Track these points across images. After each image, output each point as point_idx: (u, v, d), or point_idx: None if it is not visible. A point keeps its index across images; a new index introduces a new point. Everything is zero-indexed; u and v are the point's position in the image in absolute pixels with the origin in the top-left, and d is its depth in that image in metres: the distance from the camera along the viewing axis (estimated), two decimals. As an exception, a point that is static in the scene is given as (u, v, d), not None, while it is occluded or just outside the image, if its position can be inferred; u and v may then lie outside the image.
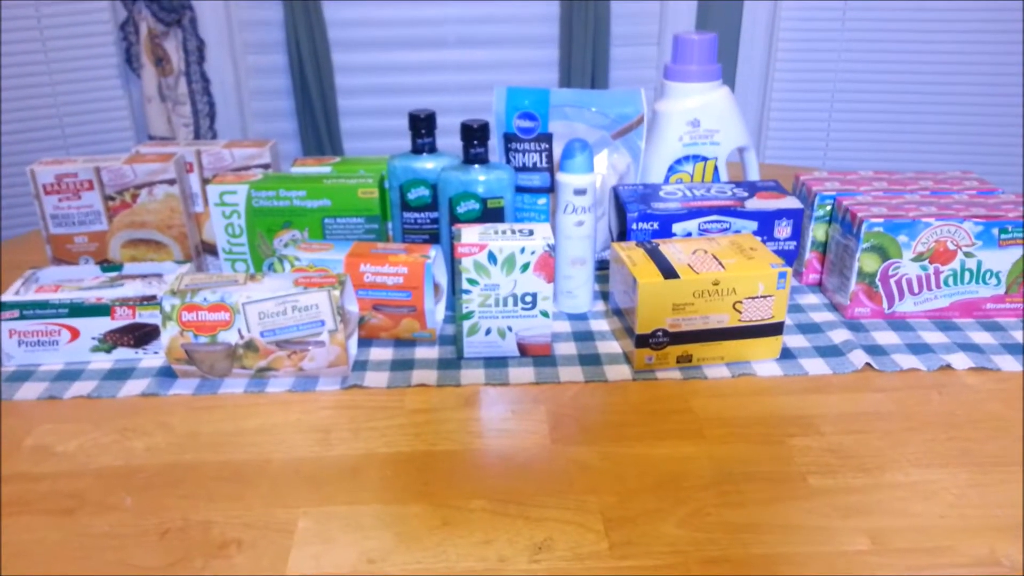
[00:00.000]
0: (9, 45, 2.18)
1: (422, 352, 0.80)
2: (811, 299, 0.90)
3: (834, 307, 0.88)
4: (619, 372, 0.76)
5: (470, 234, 0.76)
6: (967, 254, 0.81)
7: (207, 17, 2.21)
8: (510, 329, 0.77)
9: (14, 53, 2.19)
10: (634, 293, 0.73)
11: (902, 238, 0.81)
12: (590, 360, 0.78)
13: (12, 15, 2.15)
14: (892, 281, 0.83)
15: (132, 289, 0.79)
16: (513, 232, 0.76)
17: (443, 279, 0.85)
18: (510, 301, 0.76)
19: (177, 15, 2.14)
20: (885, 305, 0.84)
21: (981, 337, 0.81)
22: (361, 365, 0.78)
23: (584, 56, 2.23)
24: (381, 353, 0.80)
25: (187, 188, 0.95)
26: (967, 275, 0.82)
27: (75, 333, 0.77)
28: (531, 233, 0.76)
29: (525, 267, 0.74)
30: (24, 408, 0.72)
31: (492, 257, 0.74)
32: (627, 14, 2.30)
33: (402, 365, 0.78)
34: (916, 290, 0.83)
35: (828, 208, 0.90)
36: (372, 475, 0.62)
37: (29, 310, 0.76)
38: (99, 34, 2.23)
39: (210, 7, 2.21)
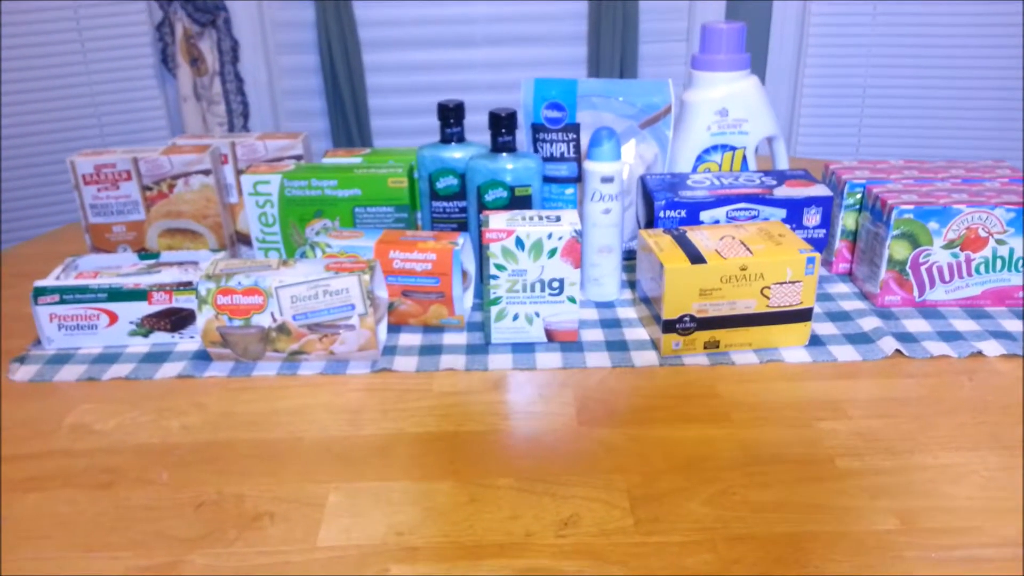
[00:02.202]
0: (49, 46, 2.23)
1: (450, 338, 0.81)
2: (841, 288, 0.90)
3: (864, 296, 0.87)
4: (646, 358, 0.76)
5: (498, 220, 0.76)
6: (999, 241, 0.80)
7: (241, 18, 2.25)
8: (537, 315, 0.78)
9: (54, 54, 2.24)
10: (661, 279, 0.74)
11: (932, 225, 0.80)
12: (617, 346, 0.79)
13: (52, 16, 2.21)
14: (923, 269, 0.82)
15: (169, 276, 0.81)
16: (540, 218, 0.77)
17: (471, 267, 0.86)
18: (537, 287, 0.77)
19: (212, 16, 2.18)
20: (916, 293, 0.83)
21: (1013, 325, 0.80)
22: (390, 350, 0.79)
23: (613, 53, 2.23)
24: (410, 339, 0.81)
25: (222, 179, 0.97)
26: (999, 263, 0.81)
27: (113, 317, 0.79)
28: (558, 219, 0.76)
29: (552, 253, 0.75)
30: (64, 389, 0.74)
31: (520, 243, 0.75)
32: (656, 10, 2.30)
33: (431, 350, 0.79)
34: (947, 278, 0.82)
35: (858, 196, 0.89)
36: (401, 453, 0.63)
37: (69, 295, 0.78)
38: (136, 35, 2.27)
39: (244, 8, 2.24)
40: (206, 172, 0.94)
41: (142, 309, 0.79)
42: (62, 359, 0.79)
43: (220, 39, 2.21)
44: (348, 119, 2.31)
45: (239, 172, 0.98)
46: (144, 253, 0.87)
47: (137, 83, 2.32)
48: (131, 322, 0.79)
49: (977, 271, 0.82)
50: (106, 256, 0.86)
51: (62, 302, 0.78)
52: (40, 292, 0.78)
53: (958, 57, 2.23)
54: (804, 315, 0.76)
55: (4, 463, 0.64)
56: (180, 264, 0.85)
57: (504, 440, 0.65)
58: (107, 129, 2.34)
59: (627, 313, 0.85)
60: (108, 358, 0.79)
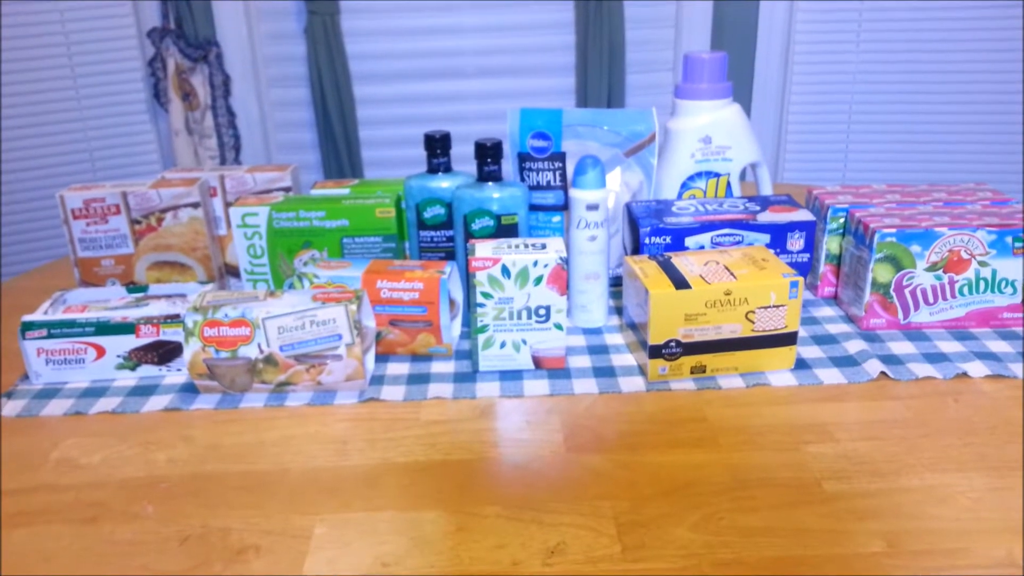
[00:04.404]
0: (42, 82, 2.25)
1: (438, 367, 0.81)
2: (826, 311, 0.90)
3: (849, 319, 0.88)
4: (633, 384, 0.77)
5: (484, 248, 0.77)
6: (981, 263, 0.81)
7: (232, 53, 2.27)
8: (524, 342, 0.78)
9: (46, 90, 2.26)
10: (646, 304, 0.74)
11: (915, 248, 0.81)
12: (604, 372, 0.79)
13: (45, 53, 2.23)
14: (907, 291, 0.83)
15: (157, 308, 0.81)
16: (526, 246, 0.77)
17: (459, 295, 0.86)
18: (524, 314, 0.77)
19: (203, 51, 2.20)
20: (900, 316, 0.84)
21: (998, 346, 0.81)
22: (378, 379, 0.79)
23: (600, 84, 2.26)
24: (398, 368, 0.81)
25: (211, 211, 0.98)
26: (982, 284, 0.82)
27: (101, 351, 0.79)
28: (544, 247, 0.77)
29: (538, 280, 0.76)
30: (51, 423, 0.74)
31: (506, 271, 0.75)
32: (642, 41, 2.33)
33: (418, 379, 0.79)
34: (931, 300, 0.83)
35: (841, 220, 0.90)
36: (388, 483, 0.63)
37: (56, 329, 0.78)
38: (128, 70, 2.29)
39: (235, 43, 2.27)
40: (195, 205, 0.94)
41: (130, 342, 0.79)
42: (49, 393, 0.79)
43: (212, 74, 2.23)
44: (339, 151, 2.32)
45: (228, 204, 0.99)
46: (132, 287, 0.87)
47: (129, 118, 2.33)
48: (119, 355, 0.79)
49: (961, 292, 0.83)
50: (94, 290, 0.86)
51: (50, 336, 0.78)
52: (28, 327, 0.78)
53: (946, 82, 2.27)
54: (789, 339, 0.76)
55: (-11, 499, 0.64)
56: (168, 297, 0.85)
57: (491, 468, 0.65)
58: (99, 164, 2.36)
59: (614, 339, 0.86)
60: (95, 392, 0.78)
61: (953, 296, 0.83)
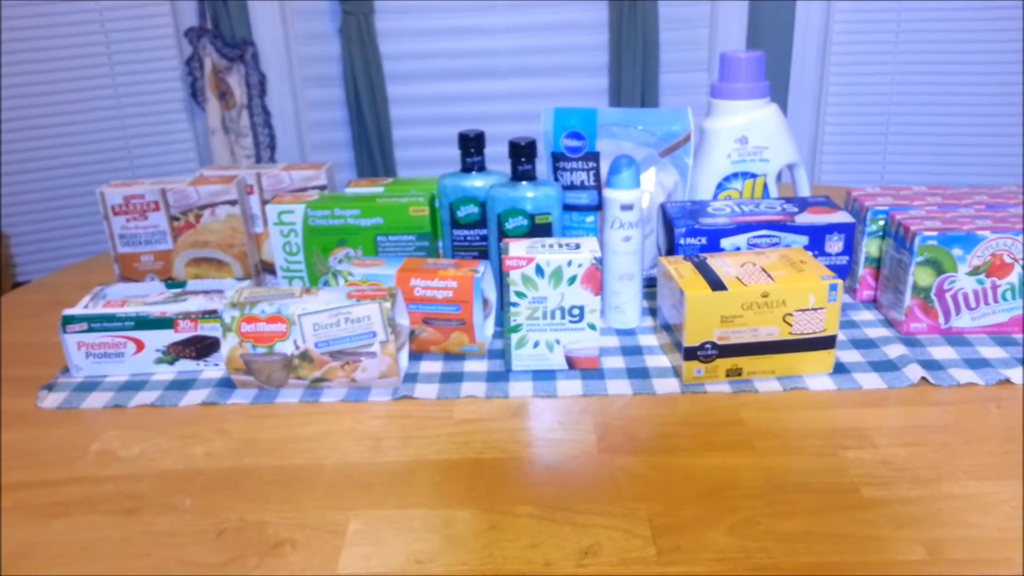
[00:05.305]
0: (81, 80, 2.29)
1: (471, 365, 0.81)
2: (865, 315, 0.89)
3: (889, 323, 0.87)
4: (668, 385, 0.76)
5: (518, 248, 0.77)
6: (1026, 267, 0.79)
7: (268, 53, 2.29)
8: (558, 342, 0.78)
9: (85, 88, 2.30)
10: (682, 306, 0.73)
11: (956, 251, 0.79)
12: (638, 374, 0.78)
13: (84, 52, 2.27)
14: (948, 295, 0.81)
15: (195, 304, 0.82)
16: (560, 246, 0.77)
17: (492, 294, 0.86)
18: (558, 314, 0.77)
19: (240, 51, 2.23)
20: (941, 320, 0.82)
21: (1043, 352, 0.79)
22: (411, 378, 0.79)
23: (634, 83, 2.25)
24: (431, 366, 0.81)
25: (248, 209, 0.99)
26: (1027, 289, 0.80)
27: (140, 345, 0.80)
28: (578, 247, 0.77)
29: (572, 280, 0.75)
30: (91, 416, 0.75)
31: (539, 270, 0.75)
32: (677, 41, 2.31)
33: (451, 378, 0.79)
34: (973, 304, 0.82)
35: (881, 223, 0.89)
36: (421, 481, 0.63)
37: (97, 323, 0.79)
38: (166, 70, 2.33)
39: (271, 43, 2.29)
40: (232, 202, 0.95)
41: (168, 337, 0.80)
42: (89, 386, 0.80)
43: (248, 73, 2.26)
44: (372, 150, 2.34)
45: (264, 202, 1.00)
46: (171, 282, 0.89)
47: (167, 116, 2.37)
48: (157, 350, 0.81)
49: (1003, 297, 0.81)
50: (134, 285, 0.87)
51: (90, 330, 0.79)
52: (68, 320, 0.79)
53: (988, 83, 2.22)
54: (828, 342, 0.75)
55: (30, 490, 0.65)
56: (206, 293, 0.86)
57: (524, 467, 0.65)
58: (137, 162, 2.39)
59: (648, 340, 0.85)
60: (134, 385, 0.80)
61: (996, 300, 0.81)
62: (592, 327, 0.77)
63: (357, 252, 0.91)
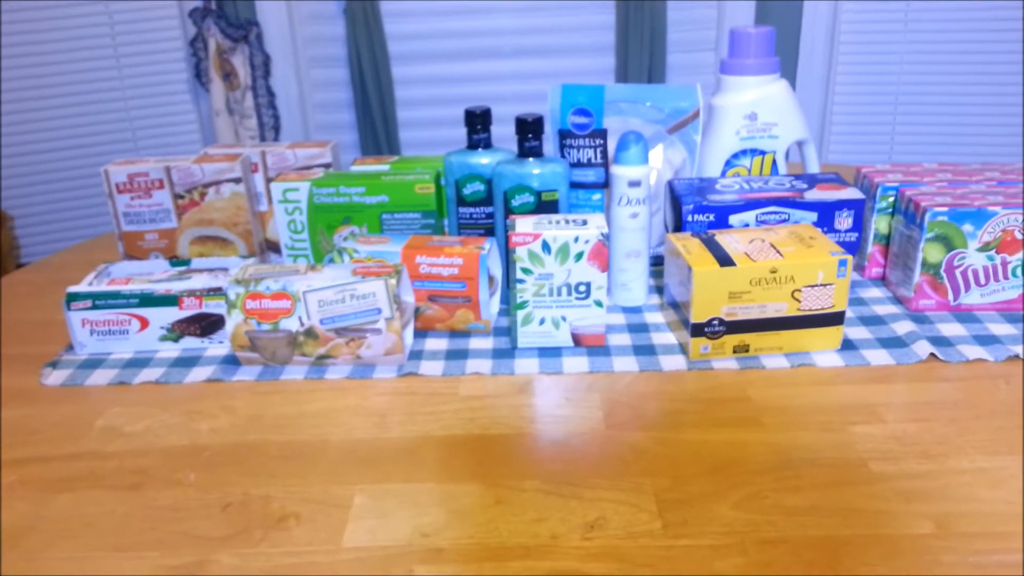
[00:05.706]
0: (85, 62, 2.28)
1: (477, 343, 0.81)
2: (874, 292, 0.88)
3: (898, 300, 0.86)
4: (674, 362, 0.76)
5: (524, 224, 0.76)
6: (1038, 243, 0.78)
7: (273, 33, 2.28)
8: (564, 319, 0.77)
9: (89, 69, 2.29)
10: (689, 282, 0.73)
11: (967, 227, 0.78)
12: (645, 351, 0.78)
13: (88, 33, 2.26)
14: (957, 272, 0.81)
15: (199, 282, 0.81)
16: (567, 222, 0.76)
17: (498, 272, 0.86)
18: (564, 291, 0.76)
19: (244, 32, 2.21)
20: (951, 297, 0.82)
21: (1054, 329, 0.78)
22: (416, 355, 0.79)
23: (640, 64, 2.23)
24: (436, 344, 0.81)
25: (252, 187, 0.98)
26: (1038, 265, 0.79)
27: (144, 323, 0.80)
28: (585, 223, 0.76)
29: (579, 256, 0.75)
30: (95, 393, 0.75)
31: (546, 246, 0.74)
32: (684, 20, 2.29)
33: (457, 355, 0.79)
34: (983, 281, 0.81)
35: (891, 199, 0.88)
36: (427, 456, 0.63)
37: (101, 300, 0.79)
38: (170, 51, 2.32)
39: (276, 23, 2.28)
40: (237, 180, 0.95)
41: (173, 314, 0.80)
42: (94, 363, 0.80)
43: (252, 54, 2.25)
44: (377, 131, 2.33)
45: (269, 180, 0.99)
46: (175, 260, 0.88)
47: (171, 97, 2.36)
48: (162, 327, 0.80)
49: (1014, 274, 0.80)
50: (138, 263, 0.87)
51: (94, 307, 0.79)
52: (73, 298, 0.79)
53: (997, 62, 2.20)
54: (836, 319, 0.75)
55: (35, 465, 0.65)
56: (210, 271, 0.86)
57: (530, 443, 0.64)
58: (141, 143, 2.39)
59: (655, 318, 0.85)
60: (139, 362, 0.79)
61: (1006, 277, 0.80)
62: (599, 304, 0.77)
63: (362, 230, 0.90)
